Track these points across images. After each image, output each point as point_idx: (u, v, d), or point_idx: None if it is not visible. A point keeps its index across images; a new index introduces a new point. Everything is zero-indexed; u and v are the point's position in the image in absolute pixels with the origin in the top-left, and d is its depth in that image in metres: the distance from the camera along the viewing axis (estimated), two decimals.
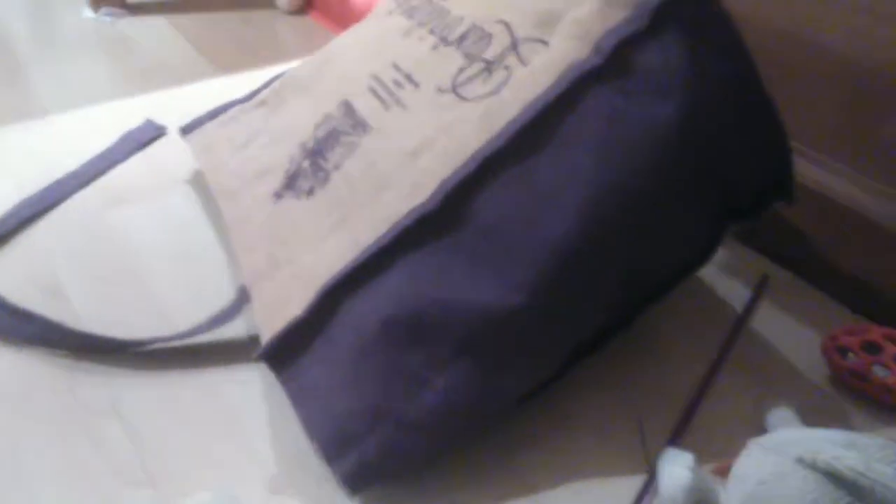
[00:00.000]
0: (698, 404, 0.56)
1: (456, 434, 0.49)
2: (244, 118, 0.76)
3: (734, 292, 0.67)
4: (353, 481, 0.48)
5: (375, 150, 0.57)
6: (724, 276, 0.69)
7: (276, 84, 0.77)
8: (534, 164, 0.49)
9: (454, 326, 0.47)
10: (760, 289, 0.67)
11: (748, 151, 0.53)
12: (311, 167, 0.61)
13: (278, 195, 0.62)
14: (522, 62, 0.54)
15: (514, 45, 0.56)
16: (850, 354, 0.57)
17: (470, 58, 0.57)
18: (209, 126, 0.79)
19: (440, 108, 0.56)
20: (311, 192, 0.60)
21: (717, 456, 0.52)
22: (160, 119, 0.90)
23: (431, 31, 0.62)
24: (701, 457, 0.52)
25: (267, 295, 0.56)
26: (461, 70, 0.57)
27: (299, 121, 0.67)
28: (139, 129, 0.88)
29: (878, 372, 0.55)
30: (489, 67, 0.56)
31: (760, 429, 0.54)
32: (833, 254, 0.67)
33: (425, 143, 0.54)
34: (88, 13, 1.20)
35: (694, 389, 0.57)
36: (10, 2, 1.25)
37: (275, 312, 0.54)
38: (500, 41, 0.56)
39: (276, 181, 0.63)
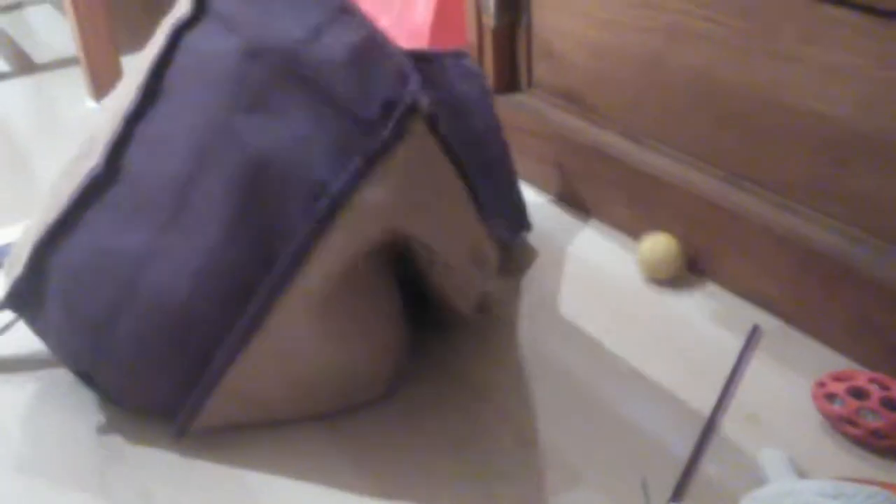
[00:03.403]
0: (698, 459, 0.58)
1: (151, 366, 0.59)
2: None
3: (727, 343, 0.70)
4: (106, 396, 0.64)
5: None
6: (715, 328, 0.72)
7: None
8: (155, 116, 0.60)
9: (116, 272, 0.58)
10: (752, 339, 0.70)
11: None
12: None
13: None
14: None
15: None
16: (838, 400, 0.59)
17: None
18: None
19: None
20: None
21: None
22: None
23: None
24: None
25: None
26: None
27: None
28: None
29: (867, 416, 0.58)
30: None
31: (758, 478, 0.57)
32: (819, 299, 0.69)
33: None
34: (91, 104, 1.24)
35: (693, 443, 0.60)
36: (14, 95, 1.29)
37: (12, 272, 0.64)
38: None
39: None
